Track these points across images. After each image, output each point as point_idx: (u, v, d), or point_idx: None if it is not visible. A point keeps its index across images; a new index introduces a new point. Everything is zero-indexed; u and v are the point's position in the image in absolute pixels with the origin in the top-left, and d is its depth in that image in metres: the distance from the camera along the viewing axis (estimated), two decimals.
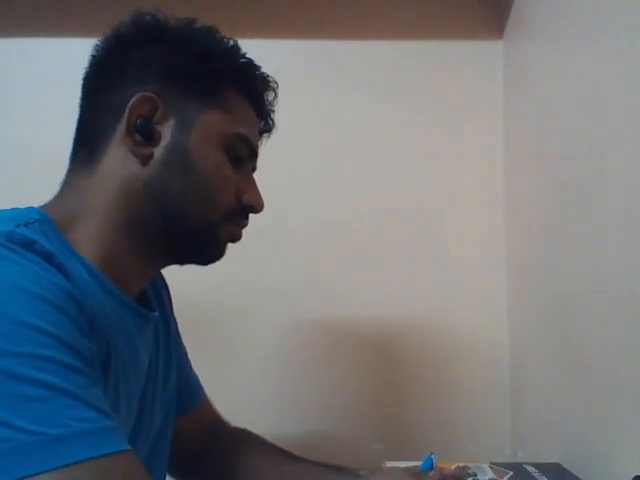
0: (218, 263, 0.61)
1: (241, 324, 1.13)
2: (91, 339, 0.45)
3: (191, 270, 0.62)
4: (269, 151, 0.67)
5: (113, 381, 0.51)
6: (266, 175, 0.66)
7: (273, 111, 0.66)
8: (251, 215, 0.62)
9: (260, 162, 0.65)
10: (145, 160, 0.55)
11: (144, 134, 0.55)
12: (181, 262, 0.62)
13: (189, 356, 0.78)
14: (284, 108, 0.67)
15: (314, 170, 1.15)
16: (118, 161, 0.55)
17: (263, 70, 0.63)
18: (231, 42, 0.60)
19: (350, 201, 1.15)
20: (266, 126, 0.67)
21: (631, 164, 0.67)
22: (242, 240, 0.62)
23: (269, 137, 0.68)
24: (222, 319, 1.12)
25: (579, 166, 0.82)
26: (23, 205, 0.54)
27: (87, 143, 0.57)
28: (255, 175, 0.64)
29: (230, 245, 0.62)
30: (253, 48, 0.62)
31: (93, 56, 0.59)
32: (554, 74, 0.91)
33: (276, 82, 0.65)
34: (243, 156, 0.60)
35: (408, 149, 1.16)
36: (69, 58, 1.13)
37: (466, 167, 1.16)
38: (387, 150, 1.16)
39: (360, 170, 1.15)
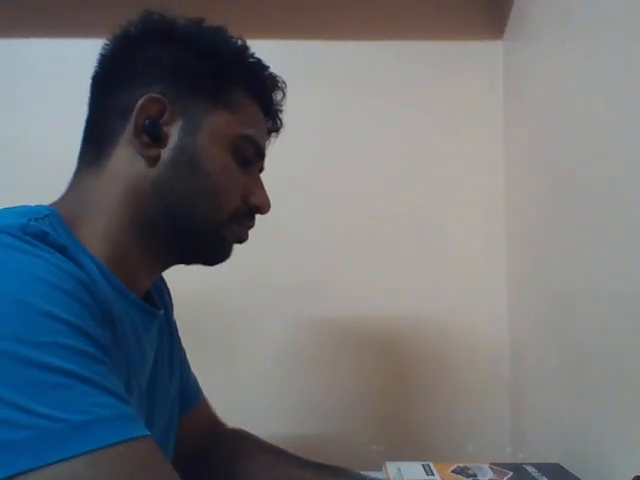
0: (221, 264, 0.62)
1: (242, 325, 1.13)
2: (104, 328, 0.46)
3: (193, 271, 0.62)
4: (269, 151, 0.67)
5: (125, 372, 0.51)
6: (267, 175, 0.66)
7: (281, 111, 0.66)
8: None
9: None
10: (152, 161, 0.55)
11: (151, 135, 0.55)
12: (187, 262, 0.62)
13: (190, 357, 0.78)
14: (284, 108, 0.67)
15: (314, 171, 1.15)
16: (125, 161, 0.55)
17: (272, 70, 0.63)
18: (239, 42, 0.60)
19: (351, 201, 1.15)
20: (274, 126, 0.67)
21: (631, 164, 0.67)
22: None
23: (277, 136, 0.68)
24: (223, 320, 1.12)
25: (579, 166, 0.82)
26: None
27: (95, 143, 0.57)
28: None
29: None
30: (253, 48, 0.62)
31: (101, 55, 0.59)
32: (554, 74, 0.91)
33: (284, 82, 0.65)
34: (250, 157, 0.60)
35: (408, 149, 1.16)
36: (68, 58, 1.14)
37: (466, 167, 1.16)
38: (387, 150, 1.16)
39: (360, 170, 1.15)
